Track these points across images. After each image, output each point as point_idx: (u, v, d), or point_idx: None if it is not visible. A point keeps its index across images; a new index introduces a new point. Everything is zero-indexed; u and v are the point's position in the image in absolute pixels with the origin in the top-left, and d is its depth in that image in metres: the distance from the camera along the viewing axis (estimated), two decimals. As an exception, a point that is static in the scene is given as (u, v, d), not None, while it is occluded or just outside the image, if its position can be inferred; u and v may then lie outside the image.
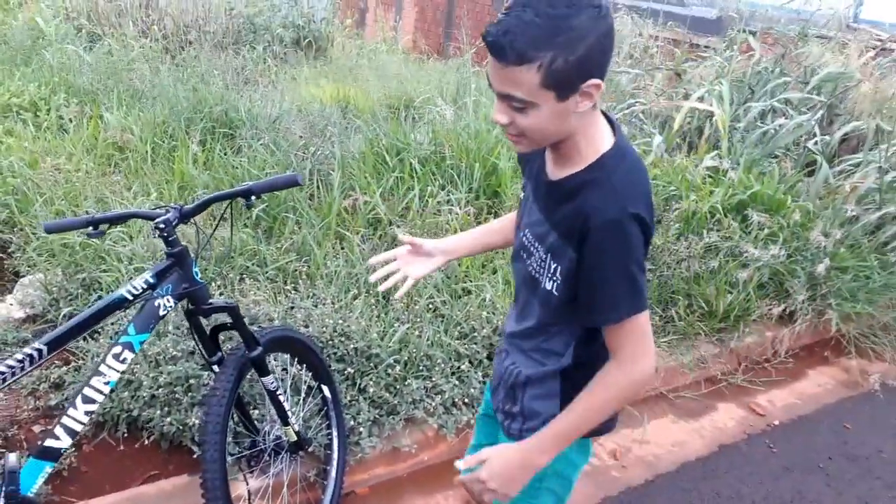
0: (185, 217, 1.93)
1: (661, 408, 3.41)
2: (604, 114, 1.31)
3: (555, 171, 1.32)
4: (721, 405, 3.48)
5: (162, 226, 1.87)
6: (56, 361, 2.75)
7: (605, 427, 1.50)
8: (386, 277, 1.71)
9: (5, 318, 2.99)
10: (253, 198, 1.95)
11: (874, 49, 6.04)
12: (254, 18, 8.05)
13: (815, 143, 4.94)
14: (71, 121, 4.58)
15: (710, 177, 4.46)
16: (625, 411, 3.31)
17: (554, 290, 1.34)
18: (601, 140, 1.27)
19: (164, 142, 4.35)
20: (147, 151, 4.18)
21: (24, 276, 3.22)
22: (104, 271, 3.08)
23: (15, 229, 3.48)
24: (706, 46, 6.72)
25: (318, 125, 4.63)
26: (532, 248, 1.37)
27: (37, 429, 2.52)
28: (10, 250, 3.44)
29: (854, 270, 4.06)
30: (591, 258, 1.24)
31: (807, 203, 4.32)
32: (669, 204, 4.19)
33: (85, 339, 2.69)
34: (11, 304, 3.05)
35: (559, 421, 1.36)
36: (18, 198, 3.60)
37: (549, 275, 1.33)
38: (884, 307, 4.11)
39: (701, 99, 5.08)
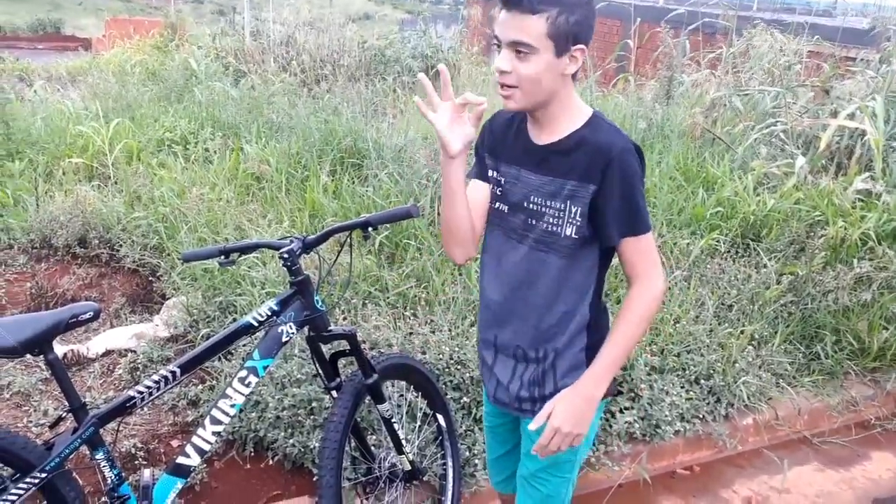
0: (307, 247, 2.02)
1: (804, 453, 3.13)
2: None
3: (546, 137, 1.53)
4: (875, 454, 3.14)
5: (286, 256, 1.96)
6: (193, 380, 2.93)
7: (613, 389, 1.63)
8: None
9: (153, 338, 3.23)
10: (370, 229, 2.01)
11: None
12: (385, 50, 8.37)
13: None
14: (215, 153, 4.92)
15: (861, 201, 4.09)
16: (762, 456, 3.07)
17: (574, 233, 1.51)
18: (585, 107, 1.53)
19: (297, 172, 4.57)
20: (282, 181, 4.41)
21: (169, 299, 3.48)
22: (239, 295, 3.26)
23: (163, 255, 3.77)
24: (861, 59, 6.20)
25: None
26: (543, 209, 1.53)
27: (175, 443, 2.69)
28: (158, 274, 3.73)
29: None
30: (615, 179, 1.44)
31: (979, 229, 3.86)
32: (814, 230, 3.87)
33: (219, 359, 2.85)
34: (157, 325, 3.30)
35: (605, 353, 1.52)
36: (167, 225, 3.90)
37: (570, 219, 1.50)
38: None
39: (851, 116, 4.67)
